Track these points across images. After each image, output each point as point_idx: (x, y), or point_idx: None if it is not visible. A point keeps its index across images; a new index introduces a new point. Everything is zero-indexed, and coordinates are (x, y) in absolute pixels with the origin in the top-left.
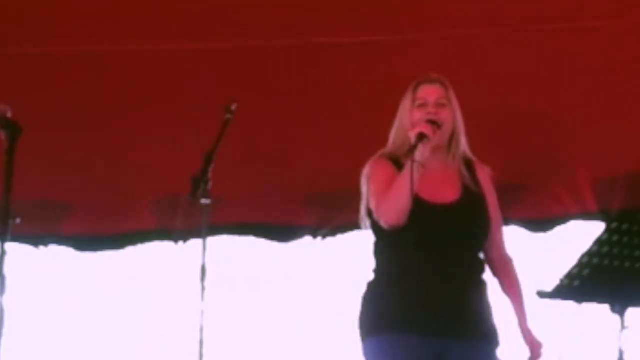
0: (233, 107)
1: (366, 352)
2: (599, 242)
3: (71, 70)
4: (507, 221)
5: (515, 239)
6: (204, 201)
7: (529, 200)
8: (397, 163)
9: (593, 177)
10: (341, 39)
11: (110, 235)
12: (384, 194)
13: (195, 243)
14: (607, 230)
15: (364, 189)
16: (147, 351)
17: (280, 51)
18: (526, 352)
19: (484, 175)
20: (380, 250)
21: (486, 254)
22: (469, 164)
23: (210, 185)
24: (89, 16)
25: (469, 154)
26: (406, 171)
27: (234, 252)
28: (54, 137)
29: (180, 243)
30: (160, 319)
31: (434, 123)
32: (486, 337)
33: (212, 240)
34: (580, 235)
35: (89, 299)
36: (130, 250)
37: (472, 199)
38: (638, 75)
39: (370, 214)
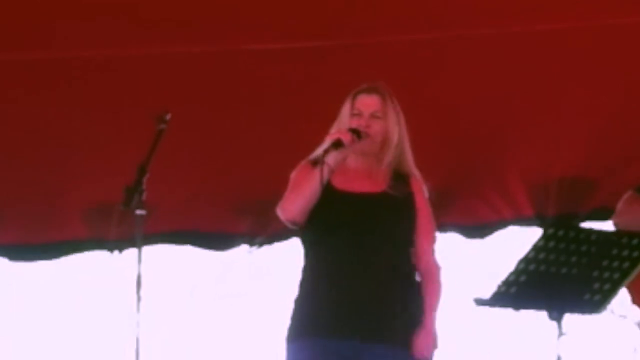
0: (167, 117)
1: (287, 355)
2: (535, 248)
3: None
4: (444, 227)
5: (451, 245)
6: (138, 212)
7: (465, 205)
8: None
9: (528, 182)
10: (273, 45)
11: (44, 245)
12: (291, 191)
13: (130, 252)
14: (543, 237)
15: None
16: None
17: (212, 58)
18: None
19: (418, 187)
20: (305, 247)
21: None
22: (403, 177)
23: (144, 195)
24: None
25: (409, 168)
26: (313, 172)
27: (170, 261)
28: None
29: (116, 253)
30: (96, 328)
31: (357, 133)
32: (404, 340)
33: (147, 249)
34: (517, 241)
35: (24, 308)
36: (64, 260)
37: (396, 195)
38: (570, 81)
39: None
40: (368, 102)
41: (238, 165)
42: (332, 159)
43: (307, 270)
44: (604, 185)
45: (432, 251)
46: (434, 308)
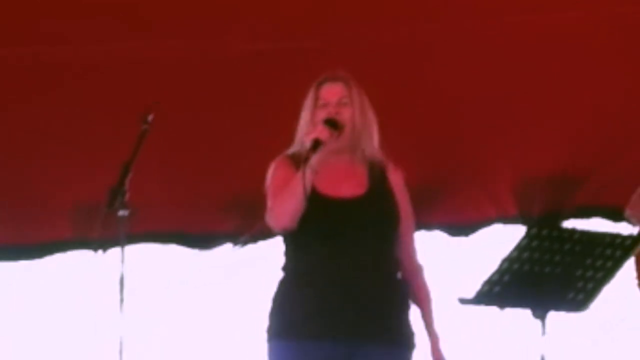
0: (149, 118)
1: (271, 354)
2: (519, 247)
3: None
4: (428, 225)
5: (436, 243)
6: (121, 212)
7: (449, 204)
8: (299, 162)
9: (513, 181)
10: (261, 45)
11: (28, 245)
12: (276, 197)
13: (115, 252)
14: (527, 236)
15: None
16: None
17: (198, 59)
18: None
19: (397, 178)
20: (287, 248)
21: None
22: (379, 167)
23: (127, 196)
24: None
25: (380, 157)
26: (297, 177)
27: (154, 261)
28: None
29: (100, 252)
30: (80, 328)
31: (334, 124)
32: (395, 339)
33: (132, 248)
34: (501, 239)
35: (8, 308)
36: (49, 260)
37: (378, 195)
38: (558, 77)
39: None
40: (333, 90)
41: (224, 164)
42: (314, 160)
43: (291, 269)
44: (589, 183)
45: (415, 248)
46: (432, 313)
